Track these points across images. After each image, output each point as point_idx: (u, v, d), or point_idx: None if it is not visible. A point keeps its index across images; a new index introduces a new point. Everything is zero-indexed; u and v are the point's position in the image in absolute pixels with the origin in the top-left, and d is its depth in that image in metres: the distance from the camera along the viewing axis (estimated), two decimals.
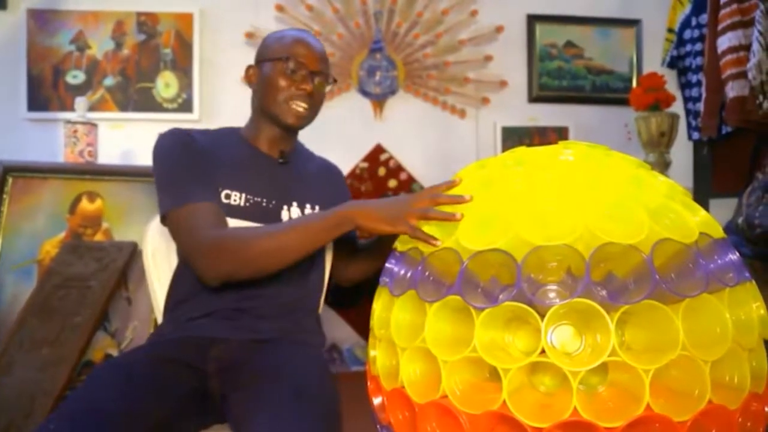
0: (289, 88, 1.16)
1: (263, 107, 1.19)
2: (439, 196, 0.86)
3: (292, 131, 1.23)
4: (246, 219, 1.14)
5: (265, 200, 1.17)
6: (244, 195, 1.15)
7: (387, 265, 0.90)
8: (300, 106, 1.17)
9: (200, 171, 1.10)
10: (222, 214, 1.08)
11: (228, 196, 1.14)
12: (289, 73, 1.16)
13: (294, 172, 1.25)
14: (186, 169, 1.09)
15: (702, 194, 2.42)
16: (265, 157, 1.22)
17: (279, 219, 1.18)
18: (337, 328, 2.58)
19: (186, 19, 2.56)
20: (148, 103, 2.54)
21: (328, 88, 1.25)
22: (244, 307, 1.12)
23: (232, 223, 1.12)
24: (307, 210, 1.22)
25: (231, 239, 1.00)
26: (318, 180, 1.29)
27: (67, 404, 0.92)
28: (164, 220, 1.10)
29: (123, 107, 2.53)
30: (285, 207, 1.19)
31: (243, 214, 1.14)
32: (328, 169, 1.37)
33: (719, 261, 0.73)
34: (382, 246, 1.25)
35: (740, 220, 1.77)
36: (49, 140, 2.42)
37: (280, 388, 0.96)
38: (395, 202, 0.92)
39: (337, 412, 0.99)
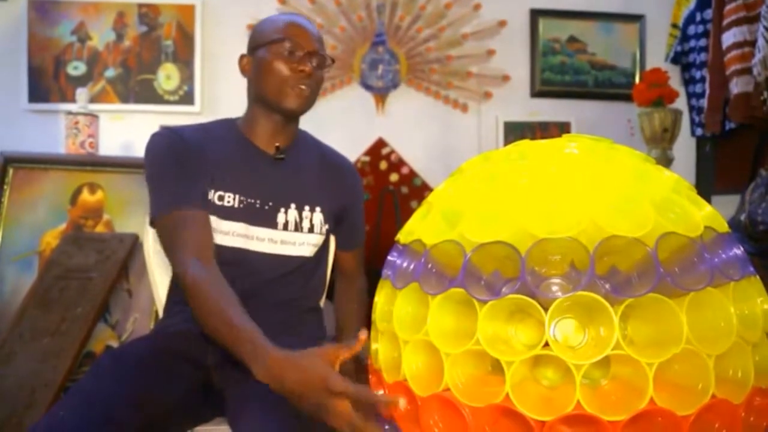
0: (288, 70, 1.10)
1: (261, 95, 1.13)
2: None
3: (292, 118, 1.16)
4: (240, 221, 1.11)
5: (259, 202, 1.12)
6: (237, 196, 1.11)
7: (389, 258, 0.90)
8: (301, 89, 1.10)
9: (189, 173, 1.07)
10: (206, 224, 1.05)
11: (221, 198, 1.10)
12: (286, 55, 1.10)
13: (292, 169, 1.18)
14: (174, 171, 1.07)
15: (705, 191, 2.41)
16: (261, 153, 1.16)
17: (275, 222, 1.13)
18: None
19: (188, 11, 2.55)
20: (149, 94, 2.53)
21: (326, 72, 1.18)
22: (246, 306, 1.12)
23: (228, 225, 1.10)
24: (306, 213, 1.16)
25: (194, 291, 0.95)
26: (320, 178, 1.20)
27: (75, 393, 0.93)
28: (153, 224, 1.06)
29: (124, 99, 2.53)
30: (282, 209, 1.14)
31: (237, 215, 1.11)
32: (335, 167, 1.26)
33: (724, 255, 0.72)
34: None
35: (743, 217, 1.76)
36: (50, 131, 2.42)
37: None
38: (311, 391, 0.75)
39: None
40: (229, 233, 1.10)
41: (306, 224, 1.15)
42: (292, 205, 1.15)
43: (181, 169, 1.06)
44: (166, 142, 1.10)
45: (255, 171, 1.14)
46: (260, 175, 1.14)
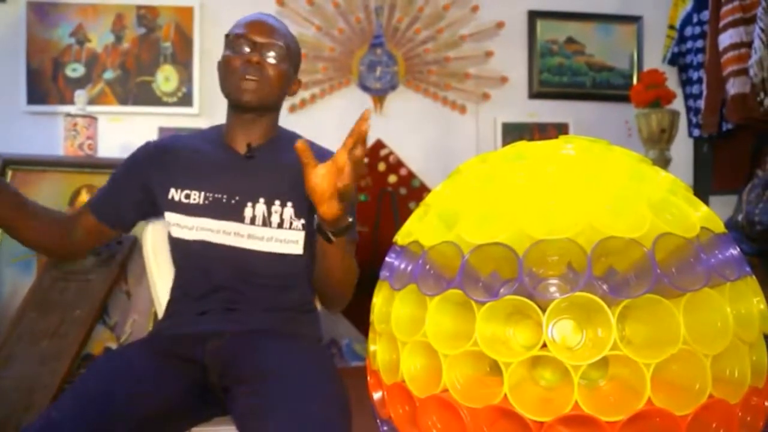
0: (237, 62, 1.12)
1: (225, 94, 1.17)
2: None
3: (256, 112, 1.17)
4: (206, 216, 1.14)
5: (225, 197, 1.15)
6: (203, 193, 1.15)
7: (387, 259, 0.90)
8: (248, 80, 1.11)
9: (121, 190, 1.21)
10: (88, 224, 1.20)
11: (188, 196, 1.16)
12: (234, 51, 1.13)
13: (265, 166, 1.18)
14: (114, 182, 1.22)
15: (702, 191, 2.42)
16: (233, 152, 1.19)
17: (241, 215, 1.14)
18: (335, 324, 2.58)
19: (186, 13, 2.55)
20: (147, 96, 2.54)
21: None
22: (239, 307, 1.12)
23: (192, 221, 1.14)
24: (276, 207, 1.15)
25: None
26: (296, 172, 1.11)
27: (69, 393, 0.94)
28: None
29: (123, 101, 2.53)
30: (249, 203, 1.15)
31: (202, 211, 1.14)
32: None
33: (720, 255, 0.73)
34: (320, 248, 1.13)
35: (740, 217, 1.77)
36: (48, 133, 2.42)
37: (287, 386, 0.95)
38: None
39: (346, 409, 0.99)
40: (194, 228, 1.15)
41: (275, 219, 1.15)
42: (261, 200, 1.15)
43: (119, 185, 1.21)
44: (135, 155, 1.22)
45: (224, 169, 1.17)
46: (229, 172, 1.17)
